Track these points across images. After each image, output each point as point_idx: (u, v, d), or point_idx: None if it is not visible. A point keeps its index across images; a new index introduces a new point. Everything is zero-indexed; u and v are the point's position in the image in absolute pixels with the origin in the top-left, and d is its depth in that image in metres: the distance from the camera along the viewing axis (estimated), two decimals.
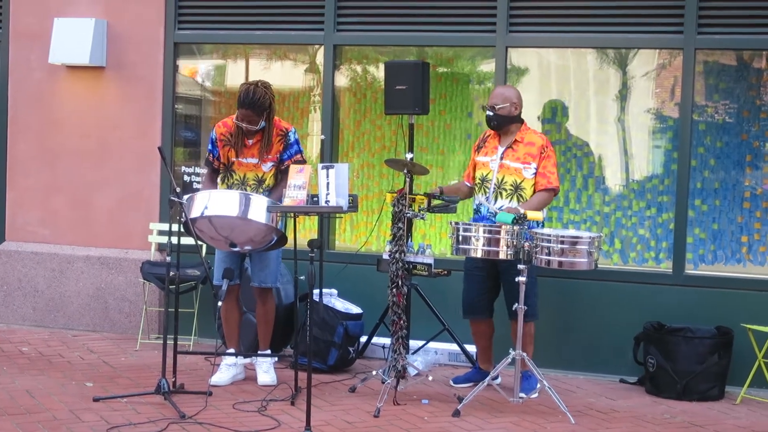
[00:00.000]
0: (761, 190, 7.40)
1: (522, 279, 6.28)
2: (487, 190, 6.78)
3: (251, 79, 7.90)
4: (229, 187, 6.87)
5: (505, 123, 6.80)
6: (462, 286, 7.00)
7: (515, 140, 6.79)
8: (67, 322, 8.49)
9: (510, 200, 6.69)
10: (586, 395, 6.97)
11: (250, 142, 6.85)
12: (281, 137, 6.85)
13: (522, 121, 6.87)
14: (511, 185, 6.72)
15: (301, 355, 6.68)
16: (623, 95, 7.71)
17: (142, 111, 8.38)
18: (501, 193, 6.73)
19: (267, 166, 6.84)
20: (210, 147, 6.99)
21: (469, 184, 6.99)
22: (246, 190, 6.80)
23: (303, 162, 6.80)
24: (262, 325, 7.04)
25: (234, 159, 6.87)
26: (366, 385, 6.84)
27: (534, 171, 6.71)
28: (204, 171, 7.28)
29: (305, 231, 8.06)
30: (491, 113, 6.79)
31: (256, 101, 6.69)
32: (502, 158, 6.78)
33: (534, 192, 6.73)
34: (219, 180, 7.00)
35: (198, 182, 8.37)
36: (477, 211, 6.87)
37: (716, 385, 6.92)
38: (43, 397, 6.42)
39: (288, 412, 6.27)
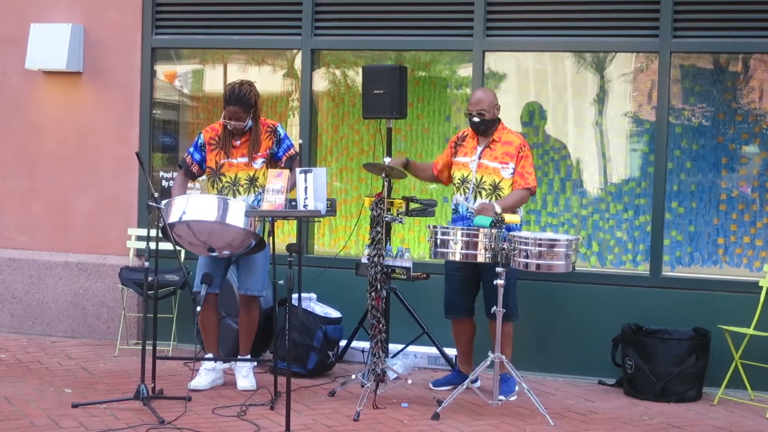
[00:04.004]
0: (737, 193, 7.45)
1: (500, 282, 6.30)
2: (466, 190, 6.81)
3: None
4: (220, 190, 6.87)
5: (491, 126, 6.85)
6: (443, 287, 7.03)
7: (493, 140, 6.82)
8: (45, 328, 8.46)
9: (489, 199, 6.73)
10: (564, 397, 7.00)
11: (238, 142, 6.88)
12: (269, 133, 6.89)
13: (499, 121, 6.91)
14: (490, 185, 6.75)
15: (281, 360, 6.67)
16: (600, 99, 7.75)
17: (120, 116, 8.36)
18: (480, 193, 6.76)
19: (257, 164, 6.86)
20: (191, 150, 7.00)
21: (434, 173, 7.04)
22: (238, 191, 6.83)
23: (296, 155, 6.89)
24: (245, 332, 7.03)
25: (224, 161, 6.87)
26: (345, 389, 6.85)
27: (512, 171, 6.75)
28: (177, 173, 7.28)
29: (284, 235, 8.06)
30: (479, 120, 6.81)
31: (243, 97, 6.74)
32: (480, 158, 6.81)
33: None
34: (209, 185, 7.00)
35: None
36: (455, 210, 6.90)
37: (694, 387, 6.96)
38: (21, 403, 6.40)
39: (267, 416, 6.27)
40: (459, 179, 6.88)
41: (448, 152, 7.02)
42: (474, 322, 7.02)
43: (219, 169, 6.91)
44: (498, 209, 6.53)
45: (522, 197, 6.76)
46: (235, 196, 6.81)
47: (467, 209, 6.78)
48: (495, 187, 6.76)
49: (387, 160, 7.15)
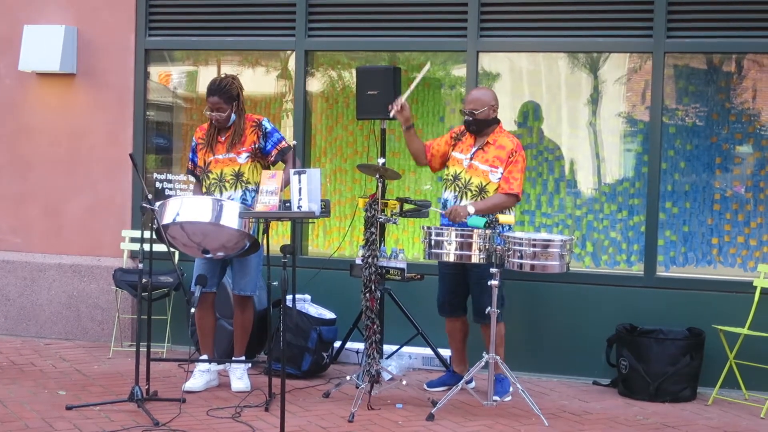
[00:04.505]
0: (731, 193, 7.45)
1: (495, 282, 6.30)
2: (457, 187, 6.81)
3: None
4: (208, 188, 6.88)
5: (483, 126, 6.84)
6: (437, 286, 7.04)
7: (487, 142, 6.82)
8: (39, 330, 8.44)
9: (475, 200, 6.73)
10: (559, 398, 7.00)
11: (222, 138, 6.89)
12: (254, 128, 6.88)
13: (498, 122, 6.91)
14: (477, 187, 6.75)
15: (275, 361, 6.67)
16: (594, 99, 7.75)
17: (114, 118, 8.35)
18: (467, 194, 6.76)
19: (242, 158, 6.84)
20: (191, 155, 7.06)
21: (425, 154, 6.99)
22: (225, 186, 6.82)
23: (288, 147, 6.83)
24: (239, 332, 7.03)
25: (210, 158, 6.88)
26: (340, 390, 6.84)
27: (500, 175, 6.75)
28: (190, 179, 7.33)
29: (278, 237, 8.05)
30: (470, 118, 6.81)
31: (223, 88, 6.79)
32: (472, 158, 6.81)
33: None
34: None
35: (170, 189, 8.36)
36: (444, 206, 6.89)
37: (688, 387, 6.97)
38: (15, 406, 6.39)
39: (262, 418, 6.26)
40: (451, 175, 6.88)
41: (447, 141, 6.99)
42: (467, 321, 7.03)
43: (207, 166, 6.91)
44: (471, 210, 6.54)
45: (502, 202, 6.73)
46: (221, 193, 6.81)
47: (444, 207, 6.78)
48: (481, 190, 6.76)
49: (381, 160, 7.16)
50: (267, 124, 6.92)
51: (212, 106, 6.81)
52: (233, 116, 6.85)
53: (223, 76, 6.93)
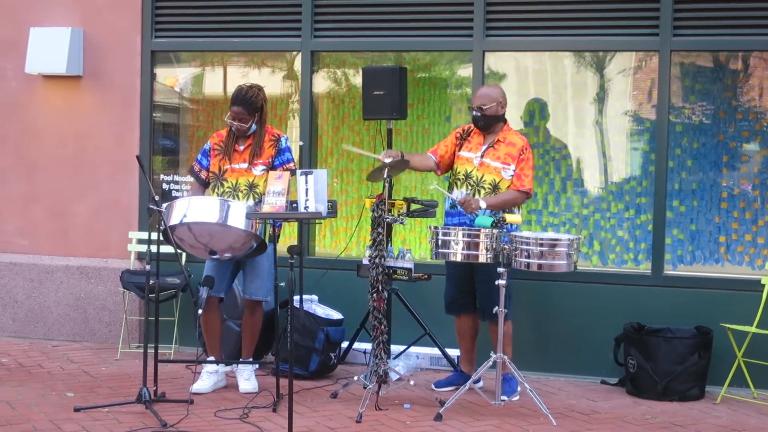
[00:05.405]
0: (738, 191, 7.44)
1: (502, 282, 6.30)
2: (469, 185, 6.80)
3: (230, 86, 7.90)
4: (220, 195, 6.86)
5: (491, 122, 6.84)
6: (444, 286, 7.05)
7: (497, 140, 6.82)
8: (46, 332, 8.45)
9: (488, 196, 6.73)
10: (567, 397, 6.99)
11: (241, 147, 6.87)
12: (273, 142, 6.88)
13: (505, 121, 6.91)
14: (490, 184, 6.75)
15: (283, 362, 6.67)
16: (600, 98, 7.74)
17: (120, 120, 8.36)
18: (479, 191, 6.76)
19: (258, 170, 6.84)
20: (200, 157, 7.03)
21: (434, 158, 6.99)
22: (237, 196, 6.82)
23: (293, 171, 6.75)
24: (248, 335, 7.03)
25: (227, 167, 6.87)
26: (348, 390, 6.84)
27: (512, 172, 6.75)
28: (191, 180, 7.30)
29: (285, 237, 8.04)
30: (478, 114, 6.81)
31: (248, 99, 6.76)
32: (483, 156, 6.81)
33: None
34: (210, 190, 6.99)
35: (177, 190, 8.36)
36: (453, 206, 6.87)
37: (696, 385, 6.95)
38: (23, 408, 6.39)
39: (270, 419, 6.26)
40: (463, 174, 6.87)
41: (453, 142, 6.99)
42: (477, 318, 7.02)
43: (222, 174, 6.90)
44: (483, 204, 6.55)
45: (514, 198, 6.74)
46: None
47: (453, 203, 6.78)
48: (494, 187, 6.76)
49: (387, 160, 7.13)
50: (283, 142, 6.91)
51: (234, 116, 6.79)
52: (254, 126, 6.84)
53: (249, 85, 6.85)
